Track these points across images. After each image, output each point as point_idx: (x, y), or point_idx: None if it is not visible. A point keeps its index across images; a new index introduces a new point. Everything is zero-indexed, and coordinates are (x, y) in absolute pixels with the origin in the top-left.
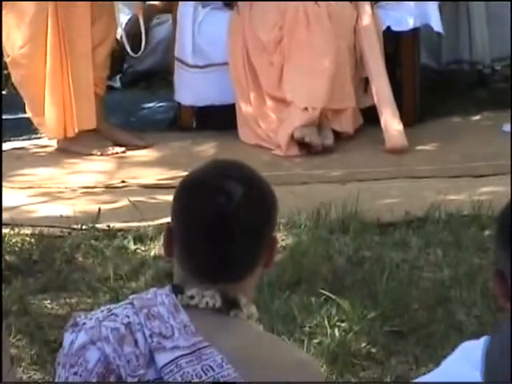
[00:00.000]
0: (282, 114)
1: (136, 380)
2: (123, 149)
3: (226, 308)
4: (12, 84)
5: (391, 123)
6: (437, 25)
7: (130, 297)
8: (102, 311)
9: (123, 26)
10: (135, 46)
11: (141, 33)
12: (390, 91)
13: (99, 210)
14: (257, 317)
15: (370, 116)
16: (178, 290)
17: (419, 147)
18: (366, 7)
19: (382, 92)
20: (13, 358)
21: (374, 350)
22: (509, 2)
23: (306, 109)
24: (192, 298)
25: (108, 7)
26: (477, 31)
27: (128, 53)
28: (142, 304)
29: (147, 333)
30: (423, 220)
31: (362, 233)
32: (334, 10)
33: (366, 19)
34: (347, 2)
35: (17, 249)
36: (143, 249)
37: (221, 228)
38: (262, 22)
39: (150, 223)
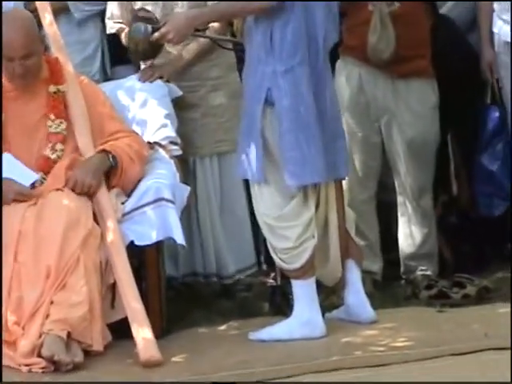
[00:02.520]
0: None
1: None
2: None
3: None
4: None
5: (142, 336)
6: (179, 237)
7: None
8: None
9: None
10: None
11: None
12: (140, 303)
13: None
14: None
15: (120, 330)
16: None
17: (169, 359)
18: (110, 223)
19: (131, 305)
20: None
21: None
22: None
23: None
24: None
25: None
26: (210, 245)
27: None
28: None
29: None
30: None
31: None
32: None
33: (111, 235)
34: (91, 219)
35: None
36: None
37: None
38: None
39: None
